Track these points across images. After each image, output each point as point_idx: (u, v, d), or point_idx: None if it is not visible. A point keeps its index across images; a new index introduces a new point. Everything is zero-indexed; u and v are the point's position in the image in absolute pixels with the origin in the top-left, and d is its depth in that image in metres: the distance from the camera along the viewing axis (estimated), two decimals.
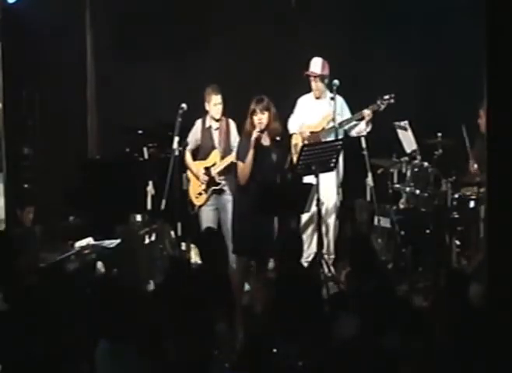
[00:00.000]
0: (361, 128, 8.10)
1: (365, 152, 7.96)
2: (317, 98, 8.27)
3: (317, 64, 8.16)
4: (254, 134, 6.96)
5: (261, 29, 9.20)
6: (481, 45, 4.12)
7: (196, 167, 8.09)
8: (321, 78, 8.17)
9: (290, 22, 9.22)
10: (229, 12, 9.30)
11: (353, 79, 8.63)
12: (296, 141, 8.28)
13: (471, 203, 7.76)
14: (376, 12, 9.17)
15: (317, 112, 8.25)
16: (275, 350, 5.08)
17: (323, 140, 8.09)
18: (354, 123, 8.11)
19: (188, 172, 8.17)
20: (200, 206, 8.08)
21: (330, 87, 8.11)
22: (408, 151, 8.08)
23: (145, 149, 8.61)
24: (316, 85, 8.21)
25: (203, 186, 8.05)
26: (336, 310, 5.56)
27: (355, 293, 5.71)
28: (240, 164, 7.08)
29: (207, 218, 8.01)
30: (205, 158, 8.10)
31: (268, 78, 9.07)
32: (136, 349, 4.80)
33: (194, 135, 8.13)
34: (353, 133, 8.15)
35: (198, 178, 8.06)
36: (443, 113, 8.90)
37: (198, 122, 8.15)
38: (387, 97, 8.03)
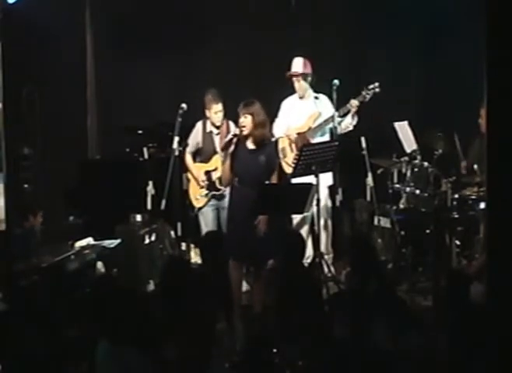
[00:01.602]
0: (347, 122, 8.01)
1: (365, 152, 7.96)
2: (301, 98, 8.21)
3: (298, 64, 8.12)
4: (228, 137, 6.93)
5: (261, 29, 9.20)
6: (481, 45, 4.12)
7: (197, 170, 8.06)
8: (304, 77, 8.13)
9: (290, 22, 9.22)
10: (230, 12, 9.30)
11: (352, 79, 8.62)
12: (283, 145, 8.21)
13: (471, 204, 7.76)
14: (376, 12, 9.17)
15: (302, 112, 8.19)
16: (275, 350, 5.09)
17: (311, 140, 8.05)
18: (340, 119, 8.01)
19: (188, 174, 8.15)
20: (200, 208, 8.05)
21: (316, 86, 8.10)
22: (408, 151, 8.08)
23: (145, 149, 8.61)
24: (299, 84, 8.15)
25: (203, 189, 8.02)
26: (336, 310, 5.56)
27: (355, 293, 5.71)
28: (222, 167, 7.10)
29: (207, 218, 7.99)
30: (206, 161, 8.07)
31: (268, 78, 9.08)
32: (136, 349, 4.80)
33: (195, 138, 8.09)
34: (340, 129, 8.05)
35: (197, 181, 8.03)
36: (443, 113, 8.90)
37: (199, 124, 8.11)
38: (371, 87, 7.95)
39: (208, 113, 8.00)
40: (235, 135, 6.87)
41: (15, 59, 7.96)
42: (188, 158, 8.09)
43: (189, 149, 8.08)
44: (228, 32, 9.26)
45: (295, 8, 9.26)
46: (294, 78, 8.15)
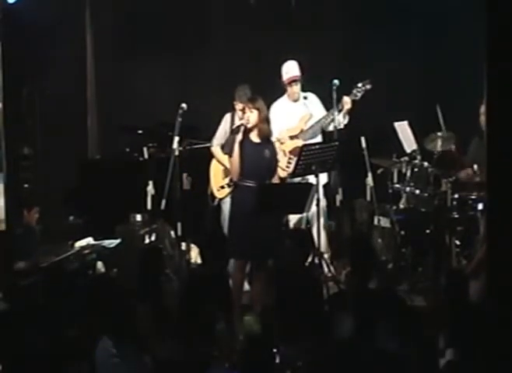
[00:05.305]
0: (338, 121, 7.98)
1: (365, 152, 7.96)
2: (295, 101, 8.16)
3: (294, 67, 8.03)
4: (236, 124, 6.91)
5: (261, 29, 9.21)
6: (481, 44, 4.13)
7: (225, 160, 7.99)
8: (300, 79, 8.11)
9: (290, 22, 9.23)
10: (229, 12, 9.31)
11: (352, 79, 8.62)
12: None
13: (471, 204, 7.76)
14: (375, 11, 9.17)
15: (293, 115, 8.11)
16: (275, 350, 5.09)
17: (303, 142, 8.01)
18: (331, 117, 7.97)
19: (213, 164, 8.08)
20: (221, 199, 8.02)
21: (315, 86, 8.08)
22: (408, 151, 8.09)
23: (145, 149, 8.61)
24: (296, 87, 8.10)
25: (227, 180, 7.97)
26: (336, 310, 5.56)
27: (355, 293, 5.71)
28: (230, 159, 7.08)
29: (225, 211, 7.90)
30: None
31: (268, 79, 9.07)
32: (136, 349, 4.81)
33: (224, 128, 8.06)
34: (331, 127, 8.00)
35: (227, 170, 7.93)
36: (443, 112, 8.89)
37: (227, 116, 8.08)
38: (360, 84, 7.94)
39: (236, 106, 7.98)
40: (242, 125, 6.90)
41: (15, 59, 7.98)
42: (217, 150, 8.04)
43: (217, 142, 8.06)
44: (228, 32, 9.26)
45: (295, 8, 9.27)
46: (293, 83, 8.10)
